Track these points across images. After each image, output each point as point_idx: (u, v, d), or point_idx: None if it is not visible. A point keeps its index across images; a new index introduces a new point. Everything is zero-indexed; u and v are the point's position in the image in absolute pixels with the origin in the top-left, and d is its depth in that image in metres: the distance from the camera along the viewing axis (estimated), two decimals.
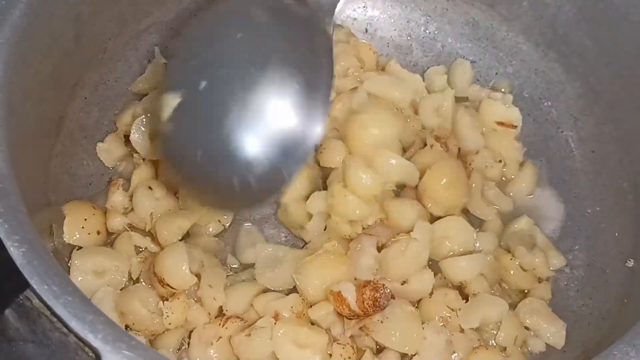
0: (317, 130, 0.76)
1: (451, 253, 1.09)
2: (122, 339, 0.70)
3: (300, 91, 0.75)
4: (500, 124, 1.25)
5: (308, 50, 0.78)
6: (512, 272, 1.10)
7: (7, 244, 0.75)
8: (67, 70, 1.08)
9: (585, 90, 1.22)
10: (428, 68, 1.33)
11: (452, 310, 1.02)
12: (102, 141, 1.18)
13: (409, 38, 1.36)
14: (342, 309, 0.98)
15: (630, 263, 1.07)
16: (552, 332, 1.05)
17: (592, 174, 1.20)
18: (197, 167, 0.84)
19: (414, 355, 0.98)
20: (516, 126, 1.25)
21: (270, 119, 0.76)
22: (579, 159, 1.23)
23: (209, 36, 0.84)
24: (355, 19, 1.38)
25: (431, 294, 1.05)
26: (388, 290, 0.99)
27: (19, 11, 0.92)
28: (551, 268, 1.13)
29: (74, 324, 0.70)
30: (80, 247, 1.03)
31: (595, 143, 1.21)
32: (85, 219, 1.05)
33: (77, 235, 1.04)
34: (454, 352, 0.99)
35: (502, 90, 1.30)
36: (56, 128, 1.09)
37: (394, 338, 0.98)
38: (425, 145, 1.17)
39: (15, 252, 0.74)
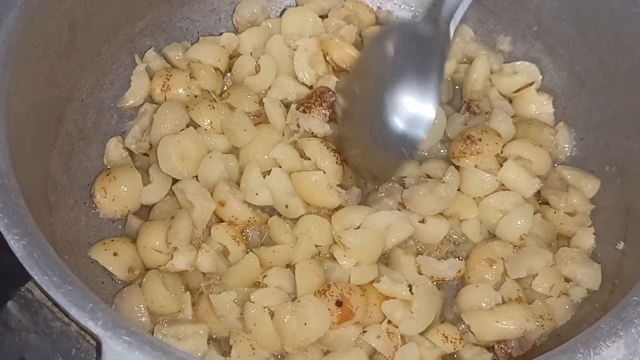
0: (430, 114, 1.03)
1: None
2: (121, 325, 0.73)
3: (417, 91, 1.03)
4: (517, 91, 1.27)
5: (424, 62, 1.05)
6: (561, 223, 1.14)
7: (8, 237, 0.77)
8: (63, 73, 1.10)
9: (572, 79, 1.25)
10: None
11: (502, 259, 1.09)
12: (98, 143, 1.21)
13: None
14: None
15: (620, 245, 1.09)
16: (589, 274, 1.07)
17: (580, 160, 1.22)
18: (361, 146, 1.15)
19: None
20: (532, 82, 1.26)
21: (402, 109, 1.03)
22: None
23: (364, 59, 1.17)
24: None
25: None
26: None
27: (14, 14, 0.95)
28: (589, 195, 1.16)
29: (74, 312, 0.73)
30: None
31: (583, 130, 1.23)
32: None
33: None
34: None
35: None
36: (54, 129, 1.11)
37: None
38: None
39: (16, 245, 0.77)
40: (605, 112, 1.18)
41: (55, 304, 0.75)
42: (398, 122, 1.03)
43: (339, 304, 1.03)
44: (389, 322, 1.04)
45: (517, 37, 1.31)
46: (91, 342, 0.76)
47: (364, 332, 1.04)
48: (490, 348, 1.06)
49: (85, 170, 1.18)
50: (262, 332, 1.03)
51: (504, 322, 1.02)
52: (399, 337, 1.03)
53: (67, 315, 0.74)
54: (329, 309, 1.02)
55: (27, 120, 0.98)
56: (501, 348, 1.03)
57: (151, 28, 1.29)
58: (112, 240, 1.11)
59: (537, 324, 1.02)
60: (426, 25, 1.07)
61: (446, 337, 1.03)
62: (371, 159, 1.16)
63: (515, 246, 1.11)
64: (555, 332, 1.06)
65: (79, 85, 1.17)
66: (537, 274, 1.07)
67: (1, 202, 0.80)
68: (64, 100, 1.13)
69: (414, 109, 1.03)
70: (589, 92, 1.21)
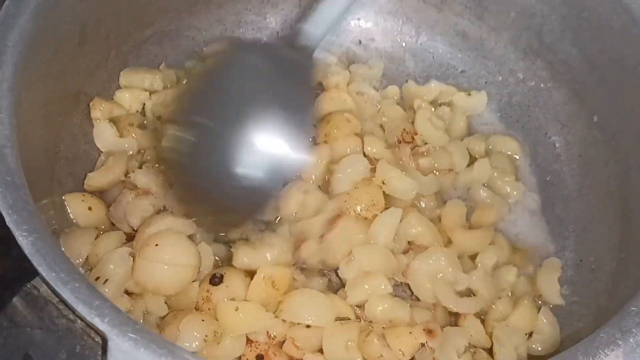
0: (302, 156, 0.97)
1: None
2: (127, 322, 0.73)
3: (286, 125, 0.94)
4: None
5: (293, 89, 0.97)
6: None
7: (17, 233, 0.77)
8: (72, 76, 1.12)
9: (571, 96, 1.27)
10: (420, 77, 1.39)
11: None
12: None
13: (401, 49, 1.41)
14: None
15: (617, 260, 1.10)
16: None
17: (579, 177, 1.24)
18: (205, 189, 1.00)
19: None
20: None
21: (261, 148, 0.94)
22: (566, 162, 1.27)
23: (210, 82, 1.01)
24: (350, 30, 1.43)
25: None
26: None
27: (27, 15, 0.96)
28: None
29: (81, 308, 0.73)
30: None
31: (582, 147, 1.25)
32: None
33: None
34: None
35: None
36: (61, 131, 1.12)
37: None
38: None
39: (24, 242, 0.77)
40: (606, 129, 1.20)
41: (62, 301, 0.75)
42: (266, 161, 0.93)
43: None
44: None
45: (518, 55, 1.34)
46: (96, 340, 0.77)
47: None
48: None
49: None
50: None
51: None
52: None
53: (73, 312, 0.75)
54: None
55: (36, 121, 1.00)
56: None
57: (159, 35, 1.31)
58: (92, 196, 1.12)
59: None
60: (289, 50, 0.99)
61: None
62: (224, 200, 1.00)
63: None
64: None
65: (85, 89, 1.18)
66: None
67: (11, 199, 0.80)
68: (71, 103, 1.15)
69: (287, 146, 0.93)
70: (589, 109, 1.23)
